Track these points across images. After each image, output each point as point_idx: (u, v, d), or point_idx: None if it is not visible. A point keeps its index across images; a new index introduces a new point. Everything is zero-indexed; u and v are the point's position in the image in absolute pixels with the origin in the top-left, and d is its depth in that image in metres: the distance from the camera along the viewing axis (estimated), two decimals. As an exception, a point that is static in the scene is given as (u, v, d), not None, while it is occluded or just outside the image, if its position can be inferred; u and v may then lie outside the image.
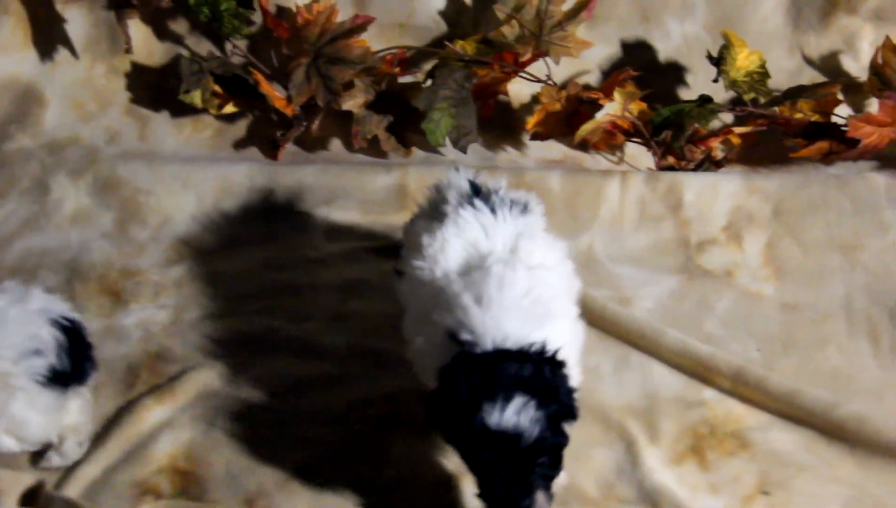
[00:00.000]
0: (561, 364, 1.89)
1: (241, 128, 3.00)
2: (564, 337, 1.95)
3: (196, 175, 2.81)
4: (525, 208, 2.13)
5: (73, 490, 2.05)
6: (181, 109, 2.99)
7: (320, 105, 2.86)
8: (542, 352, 1.88)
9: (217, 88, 2.94)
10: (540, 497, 1.83)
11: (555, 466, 1.86)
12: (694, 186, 2.73)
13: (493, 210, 2.08)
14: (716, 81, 2.80)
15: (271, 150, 2.93)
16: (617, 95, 2.74)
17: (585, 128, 2.75)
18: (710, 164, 2.81)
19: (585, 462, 2.11)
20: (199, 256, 2.68)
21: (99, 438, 2.17)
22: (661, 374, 2.34)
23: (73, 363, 2.10)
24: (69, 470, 2.11)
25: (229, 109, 2.95)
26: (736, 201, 2.70)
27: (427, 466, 2.10)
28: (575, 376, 1.94)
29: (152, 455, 2.13)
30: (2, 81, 2.98)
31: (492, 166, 2.83)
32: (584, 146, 2.92)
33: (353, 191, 2.79)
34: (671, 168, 2.85)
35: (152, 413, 2.21)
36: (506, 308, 1.90)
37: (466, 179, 2.17)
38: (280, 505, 2.04)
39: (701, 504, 2.05)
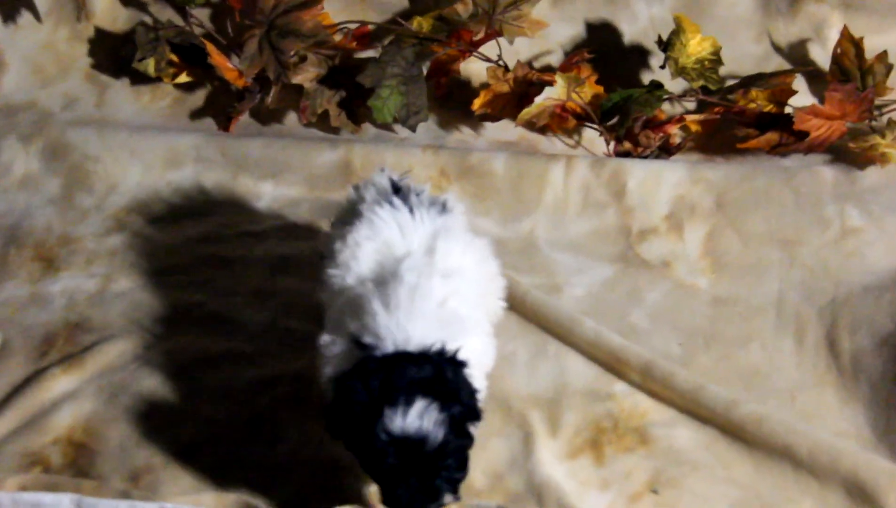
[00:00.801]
0: (462, 364, 1.86)
1: (199, 98, 3.00)
2: (474, 354, 1.91)
3: (144, 144, 2.81)
4: (444, 207, 2.08)
5: (-38, 454, 2.08)
6: (141, 77, 2.99)
7: (271, 78, 2.85)
8: (441, 352, 1.85)
9: (173, 57, 2.95)
10: (447, 498, 1.81)
11: (460, 468, 1.83)
12: (638, 173, 2.68)
13: (410, 209, 2.03)
14: (663, 67, 2.75)
15: (225, 121, 2.92)
16: (559, 78, 2.70)
17: (528, 111, 2.72)
18: (660, 151, 2.76)
19: (479, 451, 2.05)
20: (139, 226, 2.68)
21: (5, 404, 2.19)
22: (576, 365, 2.30)
23: None
24: (-35, 434, 2.13)
25: (183, 78, 2.95)
26: (679, 191, 2.65)
27: (321, 448, 2.09)
28: (480, 384, 1.91)
29: (50, 426, 2.14)
30: (-38, 44, 3.01)
31: (437, 146, 2.80)
32: (541, 129, 2.88)
33: (298, 166, 2.78)
34: (627, 154, 2.80)
35: (58, 383, 2.23)
36: (414, 314, 1.87)
37: (388, 178, 2.13)
38: (164, 482, 2.04)
39: (588, 500, 2.02)
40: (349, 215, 2.13)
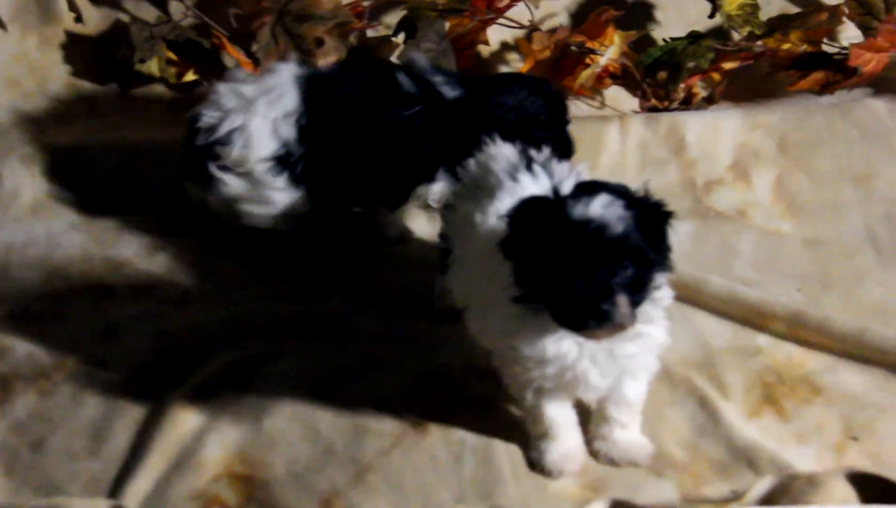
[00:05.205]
0: (666, 215, 1.76)
1: (197, 97, 2.76)
2: None
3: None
4: (579, 176, 1.95)
5: (129, 505, 1.83)
6: (128, 81, 2.76)
7: (291, 67, 2.65)
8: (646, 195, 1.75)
9: (171, 55, 2.71)
10: (622, 301, 1.67)
11: (639, 281, 1.70)
12: (695, 126, 2.64)
13: (551, 177, 1.91)
14: (711, 16, 2.71)
15: (238, 119, 2.71)
16: (616, 37, 2.63)
17: (585, 74, 2.63)
18: (703, 102, 2.72)
19: (661, 423, 2.00)
20: (180, 240, 2.46)
21: (140, 445, 1.96)
22: (708, 323, 2.24)
23: None
24: (118, 483, 1.89)
25: (190, 76, 2.72)
26: (739, 138, 2.62)
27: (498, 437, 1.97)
28: None
29: (203, 462, 1.92)
30: (-80, 64, 2.68)
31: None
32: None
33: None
34: (654, 109, 2.76)
35: (189, 414, 2.00)
36: None
37: (517, 148, 1.99)
38: (361, 504, 1.86)
39: (794, 456, 1.96)
40: (474, 189, 2.00)
